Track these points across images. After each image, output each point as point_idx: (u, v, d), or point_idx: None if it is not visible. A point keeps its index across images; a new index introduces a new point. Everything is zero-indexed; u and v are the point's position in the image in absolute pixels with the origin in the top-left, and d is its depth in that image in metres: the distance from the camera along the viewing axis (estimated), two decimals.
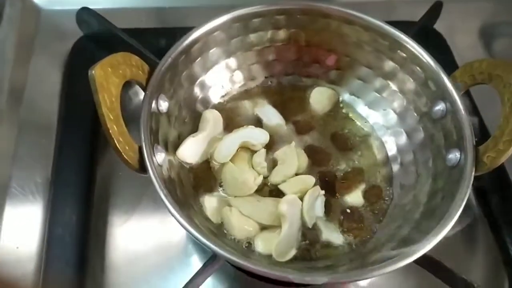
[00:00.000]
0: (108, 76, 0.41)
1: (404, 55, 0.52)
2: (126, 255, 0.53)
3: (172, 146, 0.50)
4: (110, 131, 0.40)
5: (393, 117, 0.56)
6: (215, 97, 0.57)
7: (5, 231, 0.52)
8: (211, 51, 0.54)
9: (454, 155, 0.47)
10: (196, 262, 0.53)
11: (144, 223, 0.54)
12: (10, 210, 0.53)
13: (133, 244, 0.53)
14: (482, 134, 0.49)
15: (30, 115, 0.59)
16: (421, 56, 0.51)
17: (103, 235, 0.53)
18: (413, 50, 0.52)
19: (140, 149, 0.43)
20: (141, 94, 0.47)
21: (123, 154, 0.41)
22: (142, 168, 0.43)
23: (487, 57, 0.71)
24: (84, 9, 0.61)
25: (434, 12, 0.66)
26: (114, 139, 0.40)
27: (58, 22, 0.67)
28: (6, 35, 0.63)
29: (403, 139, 0.55)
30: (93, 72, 0.39)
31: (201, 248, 0.53)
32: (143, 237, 0.54)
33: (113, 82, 0.41)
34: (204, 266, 0.45)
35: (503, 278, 0.53)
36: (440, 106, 0.50)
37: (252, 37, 0.55)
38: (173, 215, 0.41)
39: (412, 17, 0.66)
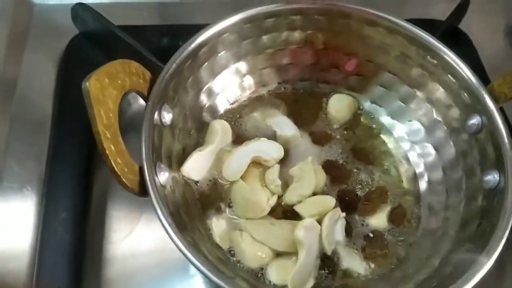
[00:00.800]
0: (104, 88, 0.36)
1: (435, 61, 0.48)
2: (124, 274, 0.49)
3: (176, 162, 0.46)
4: (107, 152, 0.35)
5: (419, 130, 0.51)
6: (223, 105, 0.52)
7: None
8: (219, 54, 0.49)
9: (492, 177, 0.42)
10: (199, 283, 0.49)
11: (145, 239, 0.50)
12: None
13: (132, 263, 0.49)
14: None
15: (22, 112, 0.56)
16: (454, 64, 0.46)
17: (99, 253, 0.49)
18: (445, 56, 0.47)
19: (141, 170, 0.38)
20: (139, 100, 0.43)
21: (121, 177, 0.36)
22: (143, 191, 0.38)
23: None
24: (79, 5, 0.56)
25: (461, 10, 0.62)
26: (112, 160, 0.35)
27: (53, 17, 0.62)
28: None
29: (431, 154, 0.50)
30: (88, 84, 0.34)
31: None
32: (142, 255, 0.49)
33: (111, 94, 0.36)
34: None
35: None
36: (475, 120, 0.45)
37: (265, 39, 0.51)
38: (179, 249, 0.36)
39: (424, 14, 0.63)
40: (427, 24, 0.53)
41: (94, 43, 0.58)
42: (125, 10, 0.63)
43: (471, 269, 0.37)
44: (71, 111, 0.55)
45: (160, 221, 0.37)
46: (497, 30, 0.70)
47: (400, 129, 0.52)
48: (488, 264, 0.37)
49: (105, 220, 0.51)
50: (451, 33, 0.63)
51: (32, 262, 0.47)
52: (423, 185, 0.50)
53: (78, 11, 0.56)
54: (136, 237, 0.50)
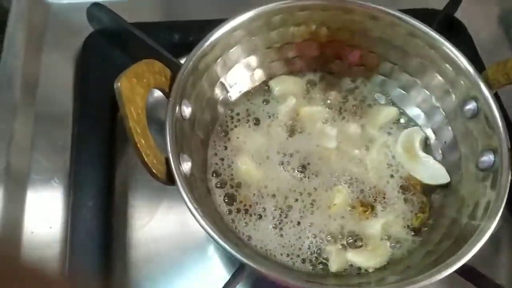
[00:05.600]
0: (133, 87, 0.39)
1: (433, 51, 0.51)
2: (147, 257, 0.52)
3: (196, 151, 0.49)
4: (138, 145, 0.39)
5: (419, 115, 0.54)
6: (236, 97, 0.55)
7: (26, 238, 0.51)
8: (231, 50, 0.52)
9: (487, 158, 0.46)
10: (217, 263, 0.52)
11: (165, 224, 0.54)
12: (30, 211, 0.52)
13: (154, 247, 0.52)
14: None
15: (45, 109, 0.58)
16: (451, 53, 0.49)
17: (124, 239, 0.52)
18: (442, 47, 0.50)
19: (167, 160, 0.42)
20: (155, 92, 0.46)
21: (151, 168, 0.40)
22: (170, 180, 0.42)
23: (507, 44, 0.69)
24: (95, 5, 0.58)
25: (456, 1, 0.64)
26: (143, 153, 0.39)
27: (68, 16, 0.65)
28: (15, 30, 0.62)
29: (431, 138, 0.53)
30: (119, 84, 0.37)
31: (222, 251, 0.52)
32: (163, 240, 0.53)
33: (139, 92, 0.39)
34: (234, 276, 0.44)
35: None
36: (471, 106, 0.49)
37: (273, 34, 0.53)
38: (207, 232, 0.40)
39: (422, 4, 0.65)
40: (424, 14, 0.57)
41: (109, 41, 0.60)
42: (135, 7, 0.66)
43: (468, 245, 0.41)
44: (90, 106, 0.58)
45: (188, 207, 0.40)
46: (491, 18, 0.72)
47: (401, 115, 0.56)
48: (483, 239, 0.41)
49: (128, 208, 0.54)
50: (447, 22, 0.65)
51: (63, 248, 0.50)
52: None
53: (93, 11, 0.58)
54: (157, 224, 0.53)
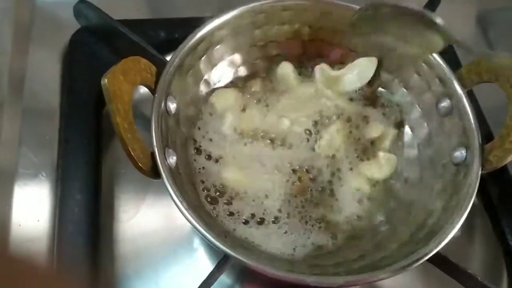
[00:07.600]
0: (120, 83, 0.40)
1: None
2: (134, 249, 0.53)
3: (181, 146, 0.50)
4: (125, 140, 0.40)
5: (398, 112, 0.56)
6: None
7: (14, 230, 0.52)
8: (216, 48, 0.53)
9: (460, 153, 0.48)
10: (202, 255, 0.54)
11: (151, 217, 0.55)
12: (18, 205, 0.53)
13: (140, 239, 0.54)
14: (486, 133, 0.50)
15: (32, 105, 0.59)
16: None
17: (110, 231, 0.54)
18: None
19: (153, 155, 0.43)
20: (141, 88, 0.47)
21: (138, 162, 0.41)
22: (156, 174, 0.43)
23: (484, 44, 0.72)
24: (82, 2, 0.59)
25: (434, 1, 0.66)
26: (129, 148, 0.40)
27: (54, 13, 0.65)
28: (1, 27, 0.62)
29: (407, 133, 0.55)
30: (106, 81, 0.39)
31: (207, 242, 0.53)
32: (149, 231, 0.54)
33: (125, 89, 0.41)
34: (217, 267, 0.45)
35: (502, 268, 0.55)
36: (445, 103, 0.51)
37: (257, 32, 0.55)
38: (191, 223, 0.41)
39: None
40: None
41: (96, 37, 0.61)
42: (121, 4, 0.67)
43: (440, 235, 0.43)
44: (77, 101, 0.58)
45: (173, 199, 0.41)
46: (469, 18, 0.74)
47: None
48: (454, 229, 0.43)
49: (114, 201, 0.55)
50: None
51: (51, 240, 0.51)
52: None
53: (80, 8, 0.59)
54: (143, 216, 0.54)
